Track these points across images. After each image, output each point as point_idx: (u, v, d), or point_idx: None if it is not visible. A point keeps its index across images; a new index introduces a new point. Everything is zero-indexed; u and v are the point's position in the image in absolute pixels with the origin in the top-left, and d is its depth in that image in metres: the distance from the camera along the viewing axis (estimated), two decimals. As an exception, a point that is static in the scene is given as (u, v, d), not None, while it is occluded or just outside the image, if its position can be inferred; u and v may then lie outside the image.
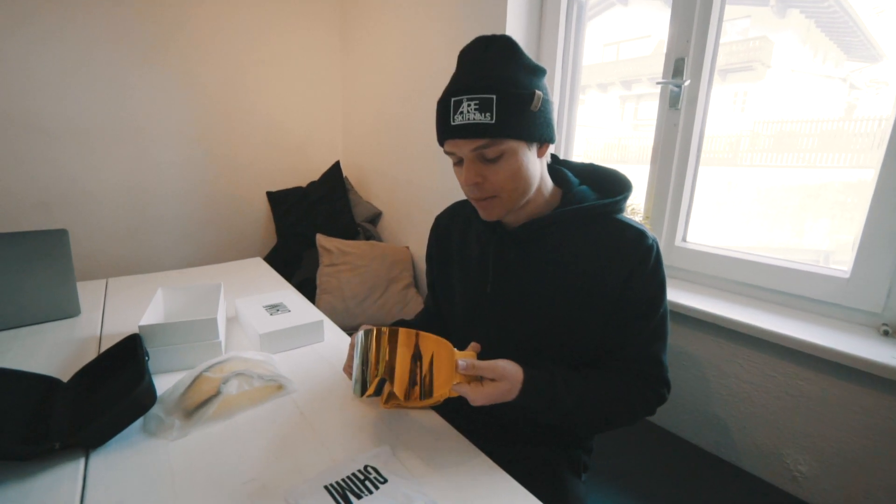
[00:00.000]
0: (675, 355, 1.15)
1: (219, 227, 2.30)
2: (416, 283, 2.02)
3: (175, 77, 2.04)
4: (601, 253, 0.72)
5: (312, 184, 2.43)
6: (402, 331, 0.67)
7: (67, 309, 1.10)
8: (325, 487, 0.59)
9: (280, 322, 0.99)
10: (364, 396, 0.70)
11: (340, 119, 2.54)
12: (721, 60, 1.15)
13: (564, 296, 0.73)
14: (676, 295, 1.13)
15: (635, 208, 1.31)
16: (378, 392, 0.76)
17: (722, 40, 1.14)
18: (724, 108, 1.22)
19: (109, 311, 1.16)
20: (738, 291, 1.15)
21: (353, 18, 2.29)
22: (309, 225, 2.21)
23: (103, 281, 1.37)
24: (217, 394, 0.73)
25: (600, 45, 1.53)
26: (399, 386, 0.65)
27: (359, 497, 0.58)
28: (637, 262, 0.70)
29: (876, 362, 0.83)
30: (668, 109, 1.21)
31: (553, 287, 0.74)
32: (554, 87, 1.50)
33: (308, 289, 1.94)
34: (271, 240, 2.44)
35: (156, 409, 0.72)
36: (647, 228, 0.74)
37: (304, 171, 2.46)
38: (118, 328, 1.06)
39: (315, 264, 2.00)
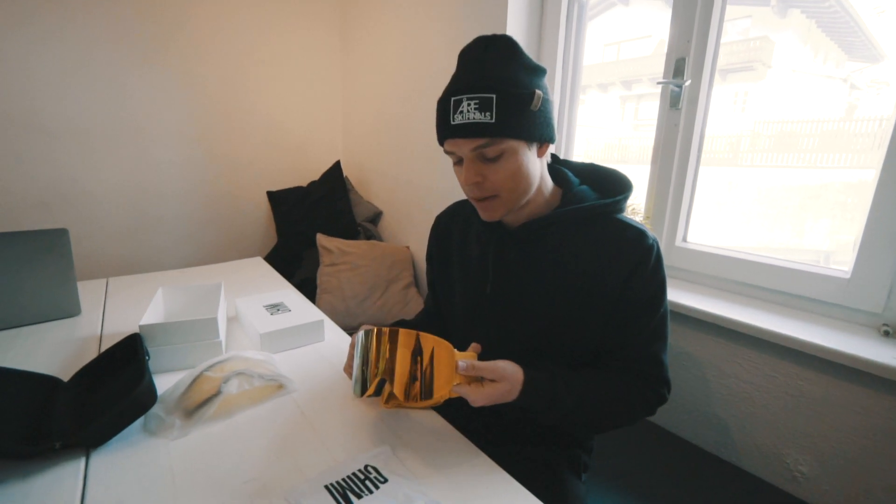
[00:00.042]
0: (675, 355, 1.15)
1: (219, 227, 2.30)
2: (416, 283, 2.02)
3: (175, 77, 2.04)
4: (601, 253, 0.72)
5: (313, 183, 2.43)
6: (402, 331, 0.67)
7: (68, 308, 1.10)
8: (326, 487, 0.59)
9: (280, 322, 0.99)
10: (364, 396, 0.70)
11: (341, 119, 2.54)
12: (722, 60, 1.15)
13: (564, 296, 0.73)
14: (677, 295, 1.13)
15: (636, 208, 1.31)
16: (378, 392, 0.76)
17: (723, 40, 1.14)
18: (724, 108, 1.21)
19: (110, 310, 1.16)
20: (738, 291, 1.15)
21: (354, 18, 2.29)
22: (309, 224, 2.21)
23: (104, 280, 1.37)
24: (217, 393, 0.73)
25: (601, 45, 1.53)
26: (399, 386, 0.65)
27: (359, 497, 0.58)
28: (637, 262, 0.70)
29: (876, 362, 0.83)
30: (669, 109, 1.21)
31: (553, 287, 0.74)
32: (554, 87, 1.50)
33: (308, 288, 1.94)
34: (272, 239, 2.44)
35: (156, 409, 0.72)
36: (648, 228, 0.74)
37: (305, 171, 2.46)
38: (119, 328, 1.06)
39: (315, 264, 2.00)
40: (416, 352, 0.66)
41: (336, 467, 0.63)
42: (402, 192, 2.10)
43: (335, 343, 1.02)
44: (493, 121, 0.64)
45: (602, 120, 1.63)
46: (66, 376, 0.80)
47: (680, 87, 1.17)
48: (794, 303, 1.06)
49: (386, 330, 0.68)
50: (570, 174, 0.80)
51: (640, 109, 1.56)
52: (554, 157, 0.85)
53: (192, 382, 0.76)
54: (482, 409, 0.65)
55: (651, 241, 0.71)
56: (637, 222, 0.75)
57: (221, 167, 2.24)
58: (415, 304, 1.93)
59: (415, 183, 2.00)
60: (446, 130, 0.69)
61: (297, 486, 0.59)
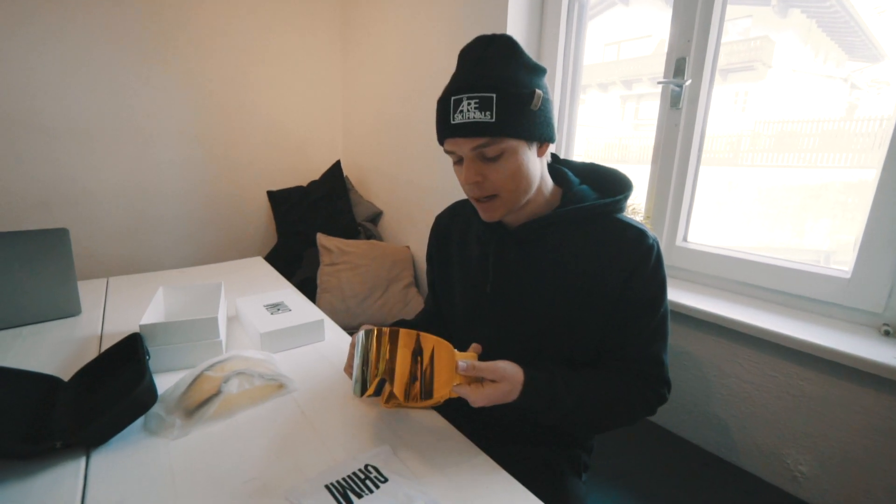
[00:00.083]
0: (675, 355, 1.15)
1: (219, 227, 2.30)
2: (416, 283, 2.02)
3: (175, 77, 2.04)
4: (602, 253, 0.72)
5: (313, 183, 2.43)
6: (402, 331, 0.67)
7: (68, 308, 1.10)
8: (326, 486, 0.59)
9: (281, 321, 0.99)
10: (364, 396, 0.70)
11: (341, 118, 2.54)
12: (722, 60, 1.15)
13: (565, 296, 0.73)
14: (677, 295, 1.13)
15: (636, 208, 1.31)
16: (378, 392, 0.76)
17: (723, 40, 1.14)
18: (725, 107, 1.21)
19: (110, 310, 1.16)
20: (738, 291, 1.15)
21: (354, 18, 2.29)
22: (309, 224, 2.21)
23: (104, 280, 1.37)
24: (218, 393, 0.73)
25: (601, 44, 1.53)
26: (399, 386, 0.65)
27: (359, 496, 0.58)
28: (637, 261, 0.70)
29: (877, 362, 0.83)
30: (669, 109, 1.21)
31: (553, 287, 0.74)
32: (555, 87, 1.50)
33: (309, 288, 1.94)
34: (272, 239, 2.44)
35: (157, 408, 0.72)
36: (648, 228, 0.74)
37: (305, 171, 2.46)
38: (119, 327, 1.06)
39: (315, 263, 2.00)
40: (417, 352, 0.66)
41: (336, 467, 0.63)
42: (403, 191, 2.10)
43: (335, 343, 1.02)
44: (494, 120, 0.64)
45: (602, 119, 1.62)
46: (66, 376, 0.80)
47: (680, 86, 1.17)
48: (795, 303, 1.06)
49: (386, 330, 0.68)
50: (570, 174, 0.79)
51: (640, 109, 1.56)
52: (554, 156, 0.85)
53: (192, 382, 0.76)
54: (482, 408, 0.65)
55: (651, 241, 0.71)
56: (637, 222, 0.74)
57: (221, 167, 2.24)
58: (415, 304, 1.93)
59: (415, 183, 2.00)
60: (446, 130, 0.69)
61: (298, 485, 0.60)
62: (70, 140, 1.88)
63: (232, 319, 1.12)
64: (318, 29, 2.34)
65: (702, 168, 1.21)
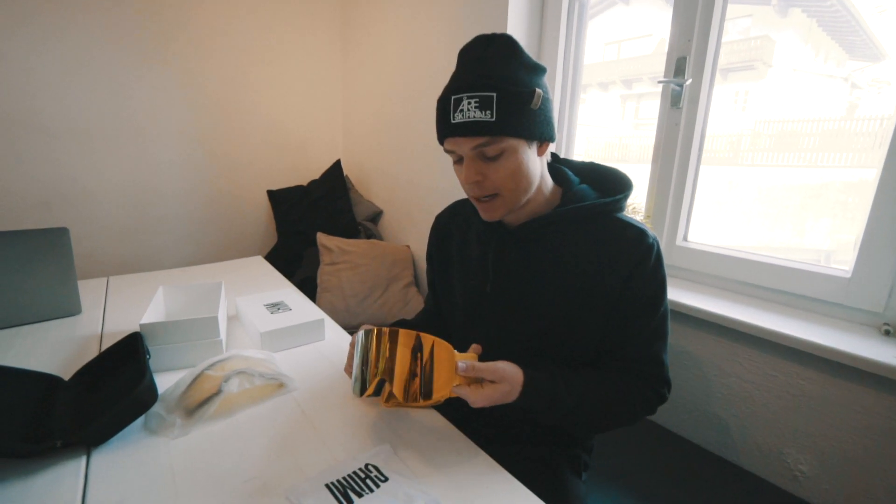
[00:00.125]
0: (675, 355, 1.15)
1: (220, 226, 2.30)
2: (416, 282, 2.02)
3: (175, 77, 2.04)
4: (602, 252, 0.72)
5: (313, 182, 2.43)
6: (402, 331, 0.67)
7: (68, 307, 1.10)
8: (327, 486, 0.59)
9: (281, 320, 0.99)
10: (364, 396, 0.70)
11: (341, 118, 2.54)
12: (722, 59, 1.15)
13: (565, 295, 0.73)
14: (677, 294, 1.13)
15: (636, 207, 1.31)
16: (378, 392, 0.76)
17: (723, 39, 1.14)
18: (725, 107, 1.21)
19: (110, 309, 1.16)
20: (739, 291, 1.15)
21: (354, 18, 2.29)
22: (310, 223, 2.21)
23: (104, 279, 1.37)
24: (218, 392, 0.74)
25: (601, 43, 1.53)
26: (398, 386, 0.65)
27: (360, 495, 0.58)
28: (637, 261, 0.70)
29: (877, 362, 0.83)
30: (670, 108, 1.21)
31: (553, 286, 0.74)
32: (555, 86, 1.50)
33: (309, 287, 1.94)
34: (272, 238, 2.44)
35: (157, 408, 0.72)
36: (648, 227, 0.74)
37: (305, 170, 2.46)
38: (119, 326, 1.06)
39: (316, 263, 2.01)
40: (417, 348, 0.66)
41: (337, 466, 0.63)
42: (403, 191, 2.10)
43: (335, 342, 1.02)
44: (494, 119, 0.64)
45: (603, 119, 1.62)
46: (66, 375, 0.80)
47: (681, 86, 1.17)
48: (795, 302, 1.06)
49: (386, 330, 0.68)
50: (570, 173, 0.79)
51: (640, 108, 1.55)
52: (554, 156, 0.84)
53: (192, 381, 0.76)
54: (483, 408, 0.65)
55: (651, 241, 0.71)
56: (637, 221, 0.74)
57: (222, 166, 2.24)
58: (415, 304, 1.93)
59: (415, 182, 2.00)
60: (446, 129, 0.68)
61: (298, 484, 0.60)
62: (70, 140, 1.88)
63: (232, 319, 1.12)
64: (318, 29, 2.34)
65: (702, 167, 1.21)
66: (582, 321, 0.73)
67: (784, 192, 1.27)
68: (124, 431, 0.69)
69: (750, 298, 1.11)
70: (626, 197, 0.75)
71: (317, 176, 2.45)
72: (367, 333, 0.68)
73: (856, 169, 1.10)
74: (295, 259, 2.19)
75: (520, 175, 0.69)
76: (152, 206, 2.11)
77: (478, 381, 0.65)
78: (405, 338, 0.67)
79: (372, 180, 2.36)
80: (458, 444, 0.70)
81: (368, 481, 0.60)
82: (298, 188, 2.41)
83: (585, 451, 0.86)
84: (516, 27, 1.45)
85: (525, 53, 0.68)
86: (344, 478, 0.61)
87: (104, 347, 0.92)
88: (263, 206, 2.40)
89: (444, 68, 1.67)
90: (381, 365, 0.66)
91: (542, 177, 0.75)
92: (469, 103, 0.64)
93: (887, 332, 0.92)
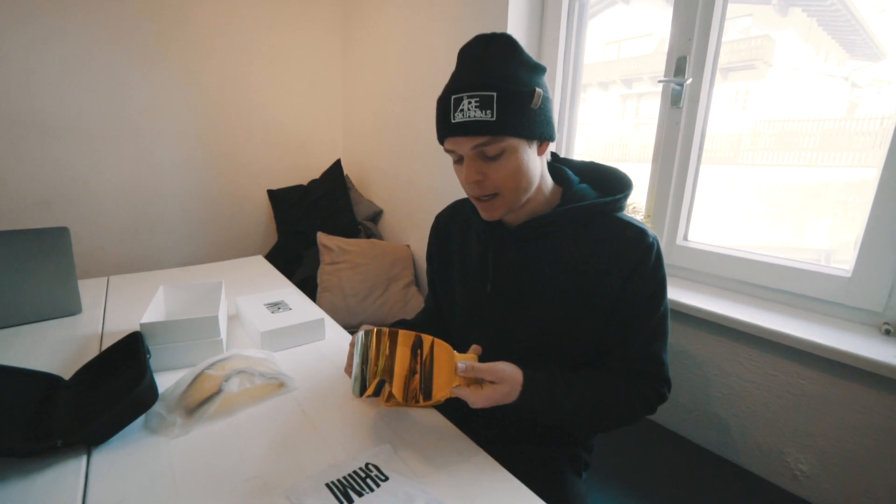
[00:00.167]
0: (675, 354, 1.15)
1: (220, 226, 2.30)
2: (416, 282, 2.02)
3: (175, 76, 2.04)
4: (602, 251, 0.72)
5: (313, 182, 2.43)
6: (402, 332, 0.67)
7: (69, 307, 1.10)
8: (327, 485, 0.59)
9: (281, 320, 0.99)
10: (363, 396, 0.70)
11: (341, 118, 2.54)
12: (723, 59, 1.15)
13: (565, 295, 0.73)
14: (677, 294, 1.13)
15: (636, 207, 1.31)
16: (377, 392, 0.76)
17: (724, 39, 1.13)
18: (725, 106, 1.21)
19: (111, 308, 1.16)
20: (739, 290, 1.15)
21: (354, 18, 2.29)
22: (310, 223, 2.21)
23: (105, 279, 1.37)
24: (218, 392, 0.74)
25: (601, 43, 1.53)
26: (398, 386, 0.65)
27: (360, 495, 0.58)
28: (638, 260, 0.70)
29: (877, 361, 0.83)
30: (670, 108, 1.21)
31: (553, 286, 0.74)
32: (555, 86, 1.50)
33: (309, 287, 1.94)
34: (272, 238, 2.44)
35: (157, 407, 0.72)
36: (648, 227, 0.74)
37: (305, 170, 2.46)
38: (120, 326, 1.06)
39: (316, 262, 2.01)
40: (416, 345, 0.66)
41: (337, 465, 0.63)
42: (403, 190, 2.10)
43: (336, 341, 1.02)
44: (494, 119, 0.64)
45: (603, 118, 1.62)
46: (67, 374, 0.80)
47: (681, 85, 1.17)
48: (795, 301, 1.06)
49: (386, 330, 0.68)
50: (570, 173, 0.79)
51: (640, 108, 1.55)
52: (554, 155, 0.85)
53: (193, 381, 0.76)
54: (483, 409, 0.65)
55: (651, 240, 0.71)
56: (637, 221, 0.74)
57: (222, 166, 2.24)
58: (415, 303, 1.93)
59: (415, 182, 2.00)
60: (447, 129, 0.68)
61: (298, 484, 0.60)
62: (70, 139, 1.88)
63: (232, 318, 1.12)
64: (318, 29, 2.34)
65: (702, 167, 1.21)
66: (582, 320, 0.73)
67: (784, 192, 1.27)
68: (125, 431, 0.69)
69: (750, 298, 1.11)
70: (626, 196, 0.75)
71: (317, 175, 2.45)
72: (367, 333, 0.68)
73: (856, 168, 1.10)
74: (295, 258, 2.19)
75: (520, 174, 0.69)
76: (152, 206, 2.11)
77: (477, 381, 0.65)
78: (405, 337, 0.67)
79: (372, 180, 2.36)
80: (459, 443, 0.70)
81: (369, 480, 0.60)
82: (298, 188, 2.41)
83: (586, 451, 0.86)
84: (516, 27, 1.45)
85: (525, 53, 0.68)
86: (344, 477, 0.61)
87: (104, 347, 0.92)
88: (264, 205, 2.40)
89: (444, 68, 1.67)
90: (381, 363, 0.66)
91: (542, 176, 0.75)
92: (469, 103, 0.64)
93: (887, 332, 0.92)
